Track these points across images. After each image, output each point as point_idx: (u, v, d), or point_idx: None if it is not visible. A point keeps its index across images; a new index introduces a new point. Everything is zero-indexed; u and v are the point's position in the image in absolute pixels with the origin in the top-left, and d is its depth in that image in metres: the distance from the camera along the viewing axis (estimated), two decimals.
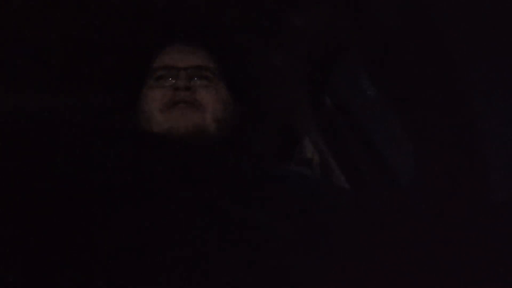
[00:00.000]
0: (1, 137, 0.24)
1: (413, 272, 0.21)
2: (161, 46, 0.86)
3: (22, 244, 0.18)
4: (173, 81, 0.80)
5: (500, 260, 0.21)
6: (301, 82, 0.98)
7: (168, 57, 0.84)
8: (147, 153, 0.23)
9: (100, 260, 0.18)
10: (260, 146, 1.07)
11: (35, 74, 1.06)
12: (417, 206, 0.24)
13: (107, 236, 0.19)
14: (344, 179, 0.91)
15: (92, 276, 0.18)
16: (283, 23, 0.87)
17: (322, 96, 0.99)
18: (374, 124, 0.94)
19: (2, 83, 1.08)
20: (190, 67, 0.81)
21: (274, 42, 0.94)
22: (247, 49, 0.99)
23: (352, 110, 0.99)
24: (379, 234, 0.22)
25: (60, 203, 0.20)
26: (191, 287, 0.18)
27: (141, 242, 0.19)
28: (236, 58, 0.92)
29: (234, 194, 0.21)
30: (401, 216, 0.24)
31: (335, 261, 0.21)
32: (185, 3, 0.88)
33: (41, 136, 0.24)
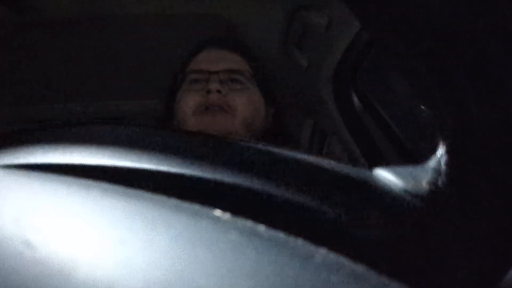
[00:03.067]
0: None
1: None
2: (195, 50, 0.87)
3: None
4: (205, 85, 0.80)
5: None
6: (327, 80, 0.96)
7: (202, 61, 0.84)
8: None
9: None
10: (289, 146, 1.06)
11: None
12: (451, 208, 0.22)
13: None
14: None
15: None
16: (308, 22, 0.86)
17: (349, 94, 0.97)
18: (404, 122, 0.91)
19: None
20: (222, 71, 0.81)
21: (300, 40, 0.93)
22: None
23: (380, 107, 0.96)
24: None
25: None
26: None
27: None
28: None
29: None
30: (434, 217, 0.22)
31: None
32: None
33: None
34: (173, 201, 0.15)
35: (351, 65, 0.92)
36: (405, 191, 0.20)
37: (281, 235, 0.14)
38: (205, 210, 0.15)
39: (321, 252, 0.14)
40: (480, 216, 0.19)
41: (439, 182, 0.20)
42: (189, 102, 0.80)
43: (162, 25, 0.94)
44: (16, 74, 1.04)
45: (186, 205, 0.15)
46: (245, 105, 0.80)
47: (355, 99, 0.98)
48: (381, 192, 0.20)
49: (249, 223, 0.15)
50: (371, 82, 0.98)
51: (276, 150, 0.21)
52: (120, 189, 0.16)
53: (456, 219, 0.19)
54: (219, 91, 0.78)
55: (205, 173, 0.19)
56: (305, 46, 0.94)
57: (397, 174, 0.22)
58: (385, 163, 0.91)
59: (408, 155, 0.87)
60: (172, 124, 0.86)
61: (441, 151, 0.20)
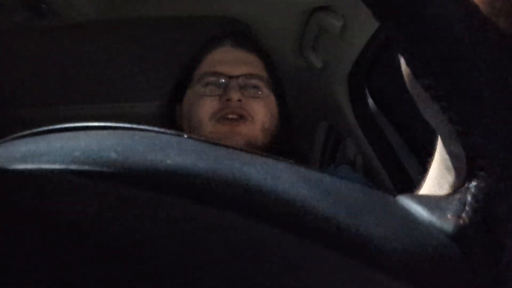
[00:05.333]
0: None
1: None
2: (210, 47, 0.82)
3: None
4: (224, 91, 0.76)
5: None
6: (342, 82, 0.96)
7: (219, 62, 0.79)
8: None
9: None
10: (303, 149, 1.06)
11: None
12: (477, 245, 0.21)
13: None
14: (389, 182, 0.88)
15: None
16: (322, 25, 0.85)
17: (364, 96, 0.97)
18: (421, 124, 0.90)
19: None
20: (242, 76, 0.77)
21: (315, 42, 0.93)
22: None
23: (396, 109, 0.95)
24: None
25: None
26: None
27: None
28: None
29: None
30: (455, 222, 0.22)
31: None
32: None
33: None
34: None
35: (366, 66, 0.91)
36: (430, 223, 0.20)
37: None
38: None
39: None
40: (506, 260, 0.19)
41: (465, 216, 0.19)
42: (206, 108, 0.76)
43: (178, 28, 0.94)
44: (36, 76, 1.07)
45: None
46: (264, 113, 0.77)
47: (370, 101, 0.97)
48: (406, 222, 0.20)
49: None
50: (386, 84, 0.97)
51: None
52: None
53: (480, 259, 0.19)
54: (239, 100, 0.75)
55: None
56: (320, 47, 0.93)
57: (422, 204, 0.21)
58: (400, 166, 0.90)
59: (424, 157, 0.86)
60: (181, 127, 0.81)
61: (472, 182, 0.19)
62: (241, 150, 0.20)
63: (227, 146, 0.20)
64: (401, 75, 0.25)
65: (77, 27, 0.89)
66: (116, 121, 0.20)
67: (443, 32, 0.21)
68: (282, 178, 0.18)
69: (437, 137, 0.24)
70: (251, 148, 0.74)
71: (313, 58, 0.96)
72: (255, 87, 0.78)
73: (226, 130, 0.73)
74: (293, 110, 0.88)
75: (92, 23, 0.88)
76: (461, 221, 0.19)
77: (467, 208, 0.19)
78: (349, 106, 0.97)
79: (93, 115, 1.19)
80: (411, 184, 0.85)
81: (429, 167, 0.25)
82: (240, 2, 0.86)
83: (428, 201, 0.21)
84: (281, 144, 0.81)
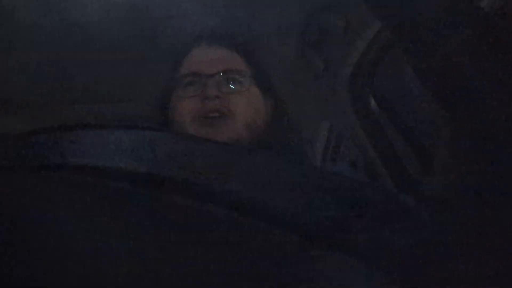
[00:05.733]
0: None
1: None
2: (187, 47, 0.80)
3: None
4: (202, 90, 0.74)
5: None
6: (344, 82, 0.96)
7: (195, 62, 0.78)
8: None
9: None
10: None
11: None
12: (469, 210, 0.22)
13: None
14: (391, 183, 0.88)
15: None
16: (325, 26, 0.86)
17: (365, 96, 0.97)
18: (422, 125, 0.90)
19: None
20: (219, 73, 0.76)
21: (317, 43, 0.93)
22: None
23: (397, 110, 0.96)
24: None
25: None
26: None
27: None
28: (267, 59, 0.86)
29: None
30: (453, 220, 0.23)
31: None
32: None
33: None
34: None
35: (368, 67, 0.91)
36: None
37: None
38: None
39: None
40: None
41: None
42: (185, 109, 0.74)
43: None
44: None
45: None
46: (246, 108, 0.75)
47: (372, 101, 0.97)
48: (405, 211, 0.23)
49: None
50: (388, 84, 0.97)
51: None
52: None
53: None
54: (217, 97, 0.73)
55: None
56: (322, 48, 0.93)
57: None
58: (402, 165, 0.90)
59: (426, 157, 0.86)
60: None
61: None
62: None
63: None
64: (403, 76, 0.25)
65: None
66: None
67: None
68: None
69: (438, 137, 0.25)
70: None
71: (316, 59, 0.96)
72: (234, 82, 0.76)
73: (207, 131, 0.72)
74: (294, 109, 0.88)
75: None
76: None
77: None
78: (351, 106, 0.97)
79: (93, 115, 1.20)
80: (412, 183, 0.85)
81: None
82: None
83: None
84: (272, 140, 0.79)
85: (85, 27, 0.90)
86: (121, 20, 0.92)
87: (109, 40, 0.98)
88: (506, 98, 0.22)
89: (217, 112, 0.73)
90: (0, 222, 0.20)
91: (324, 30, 0.87)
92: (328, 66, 0.96)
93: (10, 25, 0.92)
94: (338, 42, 0.86)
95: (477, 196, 0.24)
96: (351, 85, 0.95)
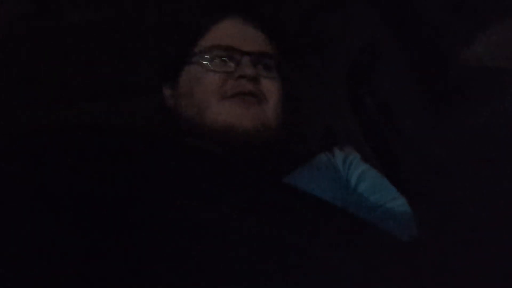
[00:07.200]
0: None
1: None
2: (210, 19, 0.73)
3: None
4: (236, 67, 0.68)
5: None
6: (341, 82, 0.96)
7: (228, 35, 0.71)
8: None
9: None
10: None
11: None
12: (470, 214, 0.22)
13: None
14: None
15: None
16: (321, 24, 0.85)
17: (362, 96, 0.97)
18: (420, 125, 0.90)
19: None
20: (256, 52, 0.70)
21: (313, 43, 0.93)
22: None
23: (395, 110, 0.96)
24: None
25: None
26: None
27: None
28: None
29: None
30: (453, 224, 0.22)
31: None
32: None
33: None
34: None
35: (365, 67, 0.91)
36: None
37: None
38: None
39: None
40: None
41: None
42: (213, 85, 0.67)
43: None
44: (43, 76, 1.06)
45: None
46: (277, 95, 0.71)
47: (369, 101, 0.97)
48: None
49: None
50: (385, 84, 0.97)
51: None
52: None
53: None
54: (255, 78, 0.68)
55: None
56: (319, 46, 0.93)
57: None
58: (398, 165, 0.90)
59: (426, 160, 0.86)
60: (180, 113, 0.71)
61: None
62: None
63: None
64: (400, 75, 0.26)
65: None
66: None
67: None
68: None
69: None
70: (263, 132, 0.68)
71: (312, 57, 0.96)
72: (267, 66, 0.72)
73: (237, 111, 0.66)
74: (290, 110, 0.88)
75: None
76: None
77: None
78: (347, 106, 0.97)
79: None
80: (408, 182, 0.85)
81: None
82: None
83: None
84: (288, 136, 0.75)
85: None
86: None
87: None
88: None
89: (251, 95, 0.68)
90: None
91: (321, 28, 0.87)
92: (325, 65, 0.96)
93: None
94: (335, 41, 0.86)
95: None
96: (348, 84, 0.95)
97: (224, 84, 0.67)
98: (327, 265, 0.20)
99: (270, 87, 0.70)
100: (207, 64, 0.69)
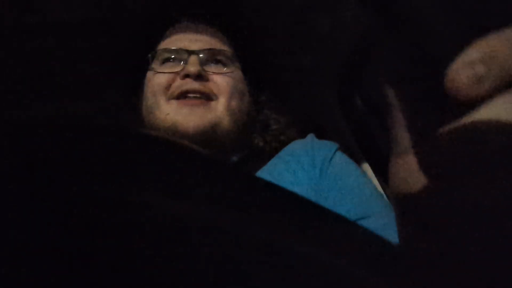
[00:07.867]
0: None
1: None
2: (166, 24, 0.74)
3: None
4: (183, 66, 0.68)
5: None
6: (331, 83, 0.95)
7: (176, 38, 0.72)
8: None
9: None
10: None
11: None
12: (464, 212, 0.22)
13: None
14: (378, 184, 0.88)
15: None
16: (311, 24, 0.85)
17: (352, 97, 0.97)
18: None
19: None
20: (203, 50, 0.69)
21: (302, 42, 0.92)
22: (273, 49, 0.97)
23: (384, 110, 0.96)
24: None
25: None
26: None
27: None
28: (254, 41, 0.81)
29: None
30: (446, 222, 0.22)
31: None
32: None
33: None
34: None
35: (355, 68, 0.91)
36: None
37: None
38: None
39: None
40: None
41: None
42: (161, 86, 0.67)
43: None
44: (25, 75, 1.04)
45: None
46: (230, 91, 0.69)
47: (359, 102, 0.97)
48: None
49: None
50: (375, 84, 0.97)
51: None
52: None
53: None
54: (200, 76, 0.67)
55: None
56: (309, 47, 0.93)
57: None
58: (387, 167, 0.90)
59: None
60: (139, 115, 0.72)
61: None
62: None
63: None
64: (391, 76, 0.25)
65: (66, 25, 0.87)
66: None
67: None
68: None
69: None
70: (214, 133, 0.67)
71: (302, 58, 0.96)
72: (219, 62, 0.71)
73: (183, 112, 0.65)
74: (280, 109, 0.88)
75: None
76: None
77: None
78: (338, 107, 0.97)
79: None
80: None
81: None
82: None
83: None
84: (254, 136, 0.75)
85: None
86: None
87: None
88: None
89: (198, 93, 0.67)
90: None
91: (311, 29, 0.86)
92: (315, 66, 0.95)
93: None
94: (325, 42, 0.86)
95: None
96: (338, 85, 0.95)
97: (171, 85, 0.68)
98: (306, 263, 0.19)
99: (221, 84, 0.69)
100: (156, 67, 0.70)
